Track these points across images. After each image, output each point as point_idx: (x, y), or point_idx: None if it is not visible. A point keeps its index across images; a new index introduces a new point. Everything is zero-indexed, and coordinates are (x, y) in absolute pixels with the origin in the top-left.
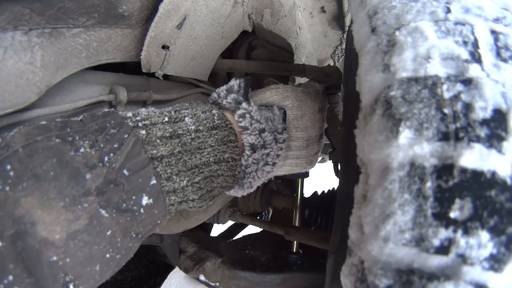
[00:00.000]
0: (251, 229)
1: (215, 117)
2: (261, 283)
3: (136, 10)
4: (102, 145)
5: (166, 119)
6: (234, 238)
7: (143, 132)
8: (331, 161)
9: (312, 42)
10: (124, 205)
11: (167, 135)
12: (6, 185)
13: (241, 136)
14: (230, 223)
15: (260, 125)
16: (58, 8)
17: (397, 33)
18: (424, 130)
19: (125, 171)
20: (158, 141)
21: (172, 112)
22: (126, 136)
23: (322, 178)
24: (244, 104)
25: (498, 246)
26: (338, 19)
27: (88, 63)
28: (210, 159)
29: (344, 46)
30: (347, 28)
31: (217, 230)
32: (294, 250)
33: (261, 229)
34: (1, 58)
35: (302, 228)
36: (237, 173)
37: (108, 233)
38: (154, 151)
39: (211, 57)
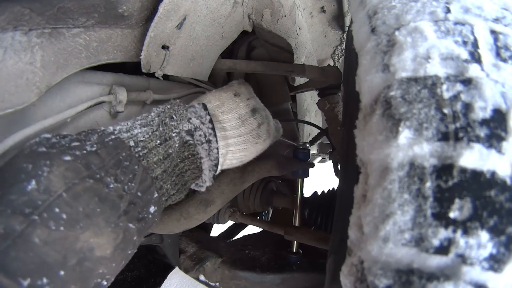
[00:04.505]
0: (251, 229)
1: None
2: (261, 283)
3: (136, 10)
4: (122, 178)
5: (158, 141)
6: (234, 238)
7: (145, 162)
8: (331, 161)
9: (312, 42)
10: (140, 216)
11: (161, 157)
12: (60, 226)
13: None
14: (230, 223)
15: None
16: (58, 8)
17: (396, 33)
18: (424, 130)
19: (139, 193)
20: (155, 165)
21: (161, 128)
22: (136, 167)
23: (322, 178)
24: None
25: (497, 246)
26: (338, 19)
27: (88, 63)
28: (178, 160)
29: (344, 46)
30: (347, 28)
31: (217, 230)
32: (294, 250)
33: (261, 229)
34: (1, 58)
35: (302, 228)
36: (199, 164)
37: (134, 238)
38: (154, 174)
39: (211, 57)
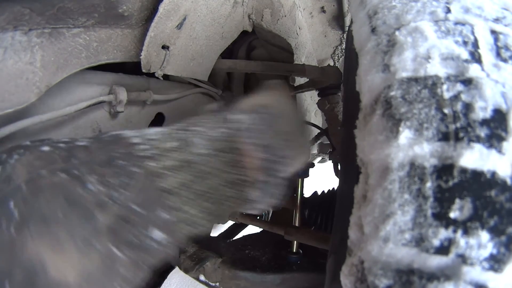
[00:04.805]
0: (251, 229)
1: (224, 137)
2: (261, 283)
3: (136, 10)
4: (111, 180)
5: (175, 144)
6: (234, 238)
7: (153, 164)
8: (331, 161)
9: (312, 42)
10: (137, 240)
11: (177, 164)
12: (10, 225)
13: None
14: (230, 223)
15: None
16: (58, 8)
17: (397, 33)
18: (424, 130)
19: (135, 207)
20: (168, 172)
21: (181, 133)
22: (135, 169)
23: (322, 178)
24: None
25: (498, 246)
26: (338, 19)
27: (88, 63)
28: (220, 182)
29: (344, 46)
30: (347, 28)
31: (217, 230)
32: (294, 250)
33: (261, 229)
34: (1, 58)
35: (302, 228)
36: (246, 194)
37: (122, 270)
38: (165, 184)
39: (211, 57)
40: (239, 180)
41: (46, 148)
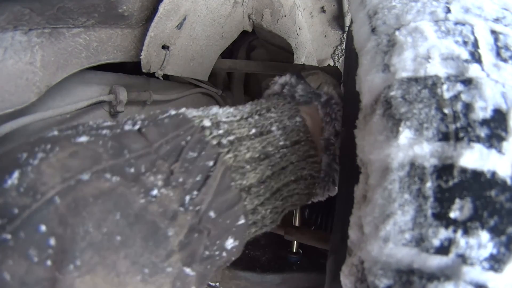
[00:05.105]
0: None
1: (300, 128)
2: (261, 283)
3: (136, 10)
4: (181, 180)
5: (254, 130)
6: None
7: (230, 155)
8: None
9: (312, 42)
10: (207, 252)
11: (256, 155)
12: (46, 258)
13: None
14: None
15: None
16: (58, 8)
17: (397, 33)
18: (424, 130)
19: (211, 213)
20: (247, 165)
21: (256, 116)
22: (211, 163)
23: None
24: (326, 88)
25: (498, 246)
26: (338, 19)
27: (88, 63)
28: (291, 178)
29: (344, 46)
30: (347, 28)
31: None
32: (294, 250)
33: None
34: (1, 58)
35: (302, 228)
36: (314, 191)
37: None
38: (244, 181)
39: (211, 57)
40: (310, 176)
41: (83, 139)
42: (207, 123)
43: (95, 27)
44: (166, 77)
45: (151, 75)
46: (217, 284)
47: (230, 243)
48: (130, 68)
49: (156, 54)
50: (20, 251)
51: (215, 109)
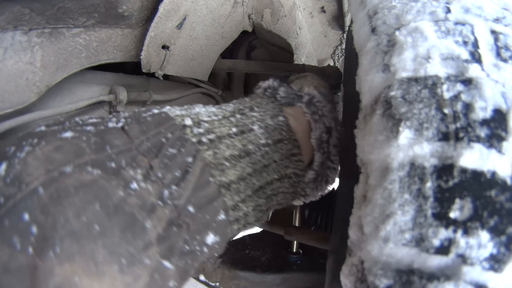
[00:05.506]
0: (251, 229)
1: (283, 127)
2: (261, 283)
3: (136, 10)
4: (160, 175)
5: (234, 129)
6: (234, 238)
7: (210, 153)
8: None
9: (312, 42)
10: (187, 247)
11: (236, 153)
12: (28, 245)
13: (310, 134)
14: None
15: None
16: (58, 8)
17: (397, 33)
18: (424, 130)
19: (190, 208)
20: (227, 163)
21: (238, 116)
22: (190, 160)
23: None
24: (306, 89)
25: (498, 246)
26: (338, 19)
27: (88, 63)
28: (275, 176)
29: (344, 46)
30: (347, 28)
31: None
32: (294, 250)
33: (261, 229)
34: (1, 58)
35: (302, 228)
36: (298, 189)
37: (171, 283)
38: (223, 178)
39: (211, 57)
40: (294, 174)
41: (68, 134)
42: (188, 121)
43: (95, 27)
44: (166, 77)
45: (151, 75)
46: (217, 284)
47: (211, 238)
48: (130, 68)
49: (156, 54)
50: (4, 239)
51: (197, 108)
